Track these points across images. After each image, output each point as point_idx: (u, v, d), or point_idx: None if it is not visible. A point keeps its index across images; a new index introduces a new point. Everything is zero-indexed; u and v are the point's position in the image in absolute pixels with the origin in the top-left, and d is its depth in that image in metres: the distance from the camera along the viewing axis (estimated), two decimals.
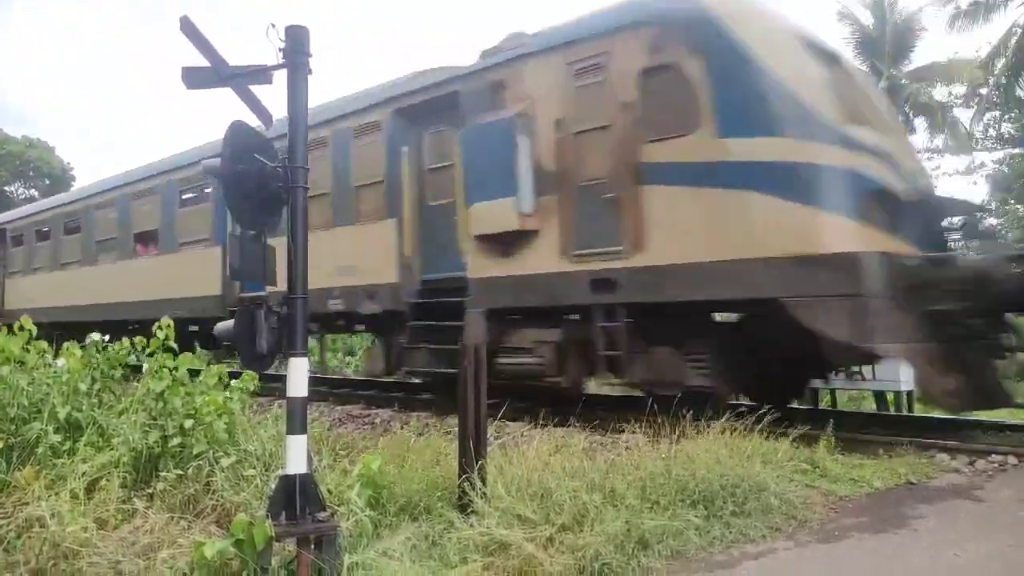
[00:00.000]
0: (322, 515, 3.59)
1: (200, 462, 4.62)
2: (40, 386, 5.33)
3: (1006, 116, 24.90)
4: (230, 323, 4.00)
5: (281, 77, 3.87)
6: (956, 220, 7.74)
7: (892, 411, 10.42)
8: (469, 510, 4.22)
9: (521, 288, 8.23)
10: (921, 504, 4.76)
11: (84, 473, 4.43)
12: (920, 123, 23.18)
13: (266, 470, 4.71)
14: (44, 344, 5.77)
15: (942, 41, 67.52)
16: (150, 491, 4.47)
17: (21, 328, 5.66)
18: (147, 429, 4.85)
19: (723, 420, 5.42)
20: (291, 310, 3.71)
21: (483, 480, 4.40)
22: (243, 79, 3.97)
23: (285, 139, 3.72)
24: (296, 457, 3.60)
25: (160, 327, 5.36)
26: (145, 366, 5.20)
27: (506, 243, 8.34)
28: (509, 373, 8.19)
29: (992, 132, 26.00)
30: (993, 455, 5.89)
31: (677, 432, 5.44)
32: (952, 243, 7.63)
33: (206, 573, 3.36)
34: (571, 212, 7.87)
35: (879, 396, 10.97)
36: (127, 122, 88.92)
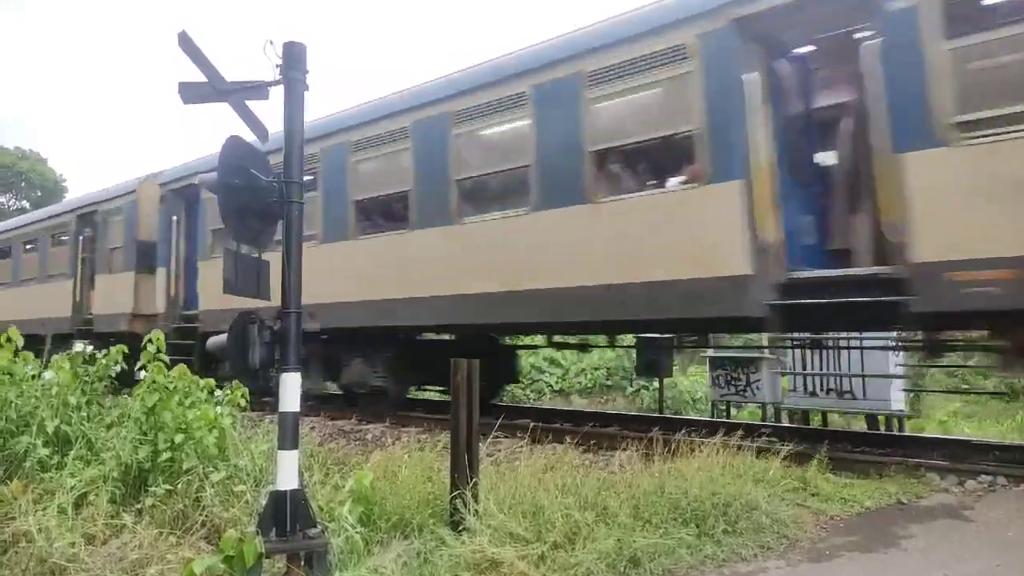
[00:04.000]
0: (313, 531, 3.57)
1: (190, 477, 4.59)
2: (29, 399, 5.30)
3: None
4: (223, 337, 3.99)
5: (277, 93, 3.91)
6: None
7: (883, 431, 10.45)
8: (461, 527, 4.21)
9: None
10: (911, 524, 4.77)
11: (72, 487, 4.40)
12: None
13: (256, 485, 4.68)
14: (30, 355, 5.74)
15: None
16: (139, 506, 4.43)
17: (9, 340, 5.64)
18: (138, 443, 4.82)
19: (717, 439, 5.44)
20: (285, 325, 3.71)
21: (475, 497, 4.38)
22: (240, 94, 4.00)
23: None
24: (287, 473, 3.59)
25: (151, 339, 5.33)
26: (144, 375, 5.16)
27: None
28: None
29: None
30: (983, 475, 5.91)
31: (671, 450, 5.46)
32: None
33: None
34: None
35: (870, 416, 11.01)
36: (128, 128, 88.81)
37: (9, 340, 5.63)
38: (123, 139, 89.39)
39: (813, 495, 5.34)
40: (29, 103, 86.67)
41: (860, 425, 12.06)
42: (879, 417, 10.75)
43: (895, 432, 10.07)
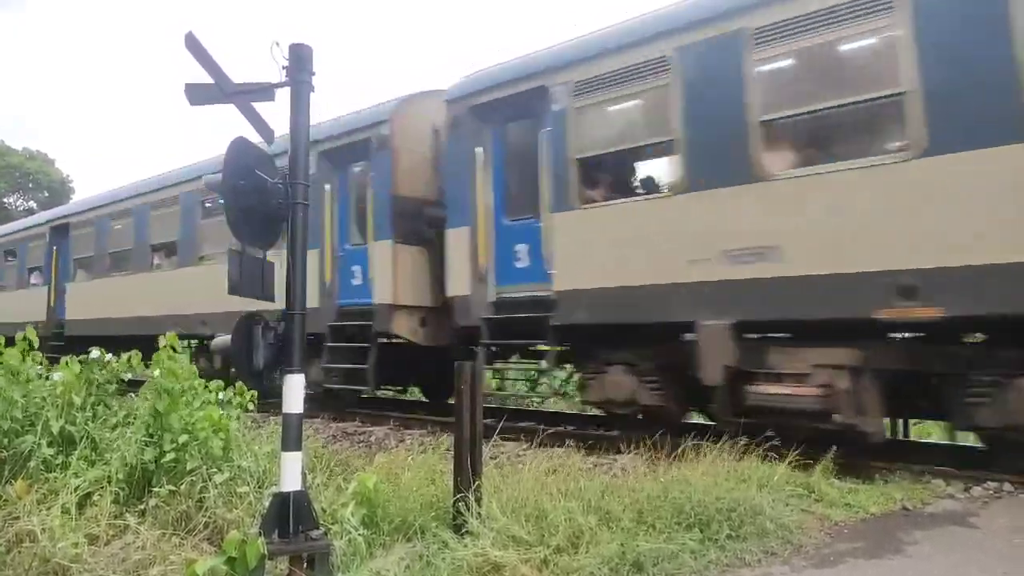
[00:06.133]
0: (315, 533, 3.57)
1: (193, 478, 4.59)
2: (34, 399, 5.31)
3: None
4: (227, 338, 4.00)
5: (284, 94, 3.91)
6: None
7: (887, 435, 10.38)
8: (464, 530, 4.20)
9: None
10: (916, 530, 4.74)
11: (76, 488, 4.41)
12: None
13: (259, 487, 4.69)
14: (39, 356, 5.76)
15: None
16: (142, 507, 4.44)
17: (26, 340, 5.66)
18: (144, 445, 4.82)
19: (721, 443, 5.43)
20: (288, 326, 3.71)
21: (478, 500, 4.38)
22: (246, 96, 4.00)
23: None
24: (290, 474, 3.58)
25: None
26: (156, 372, 5.16)
27: None
28: None
29: None
30: (988, 481, 5.88)
31: (675, 455, 5.44)
32: None
33: None
34: None
35: None
36: (130, 126, 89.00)
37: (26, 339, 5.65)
38: (124, 137, 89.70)
39: (818, 500, 5.31)
40: (29, 103, 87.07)
41: None
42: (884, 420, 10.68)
43: (899, 436, 10.01)
